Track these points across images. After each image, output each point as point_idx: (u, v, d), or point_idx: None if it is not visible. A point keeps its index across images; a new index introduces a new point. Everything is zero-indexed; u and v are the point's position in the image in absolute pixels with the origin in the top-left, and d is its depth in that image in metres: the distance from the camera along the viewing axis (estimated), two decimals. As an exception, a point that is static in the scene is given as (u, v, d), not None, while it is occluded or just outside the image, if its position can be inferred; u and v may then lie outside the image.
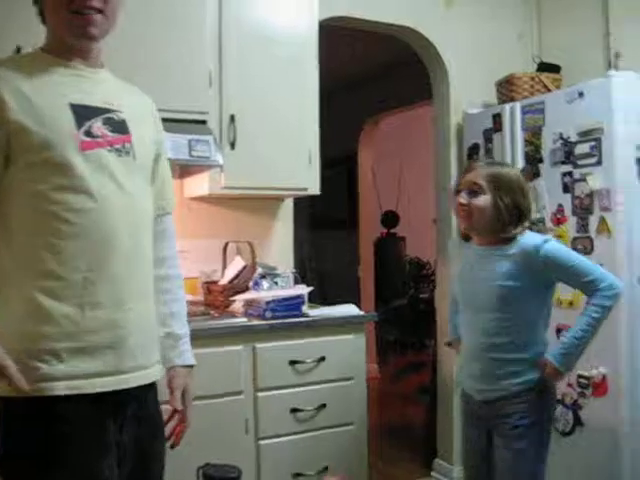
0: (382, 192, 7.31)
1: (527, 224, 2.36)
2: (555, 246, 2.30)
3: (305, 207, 3.81)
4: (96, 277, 1.53)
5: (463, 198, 2.34)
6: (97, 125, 1.57)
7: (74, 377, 1.49)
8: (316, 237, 7.08)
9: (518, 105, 3.56)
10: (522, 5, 4.26)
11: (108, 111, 1.62)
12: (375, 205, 7.24)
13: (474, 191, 2.33)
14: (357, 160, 6.91)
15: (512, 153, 3.55)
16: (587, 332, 2.23)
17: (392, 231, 7.48)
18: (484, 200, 2.31)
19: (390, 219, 7.41)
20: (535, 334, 2.35)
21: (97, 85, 1.65)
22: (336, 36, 3.74)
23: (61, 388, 1.47)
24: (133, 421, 1.62)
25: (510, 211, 2.31)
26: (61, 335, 1.49)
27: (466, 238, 2.50)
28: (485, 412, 2.39)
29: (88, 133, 1.55)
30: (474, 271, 2.42)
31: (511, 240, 2.32)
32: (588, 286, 2.26)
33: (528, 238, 2.32)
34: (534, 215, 3.38)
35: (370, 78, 6.52)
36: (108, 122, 1.60)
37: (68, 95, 1.56)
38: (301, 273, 3.73)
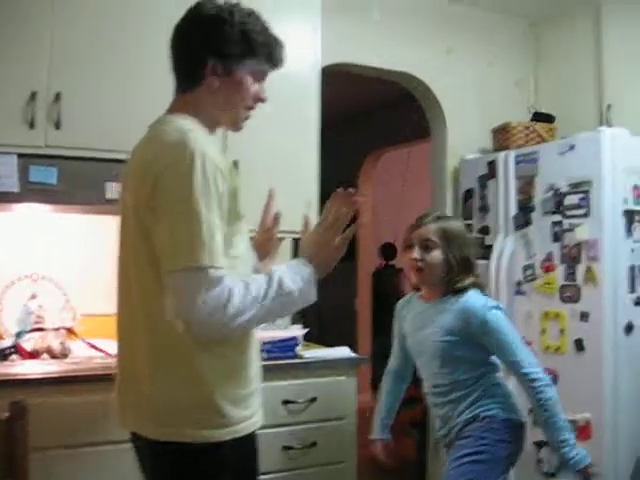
0: (381, 224, 7.40)
1: (477, 273, 2.51)
2: (498, 316, 2.38)
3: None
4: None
5: (417, 253, 2.45)
6: None
7: (251, 416, 1.72)
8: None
9: (512, 154, 3.67)
10: (520, 54, 4.40)
11: None
12: (374, 237, 7.34)
13: (427, 246, 2.44)
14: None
15: (505, 201, 3.66)
16: (557, 424, 2.30)
17: (390, 263, 7.55)
18: (436, 255, 2.43)
19: (388, 251, 7.47)
20: (477, 389, 2.41)
21: None
22: (339, 74, 3.86)
23: (249, 426, 1.70)
24: None
25: (460, 263, 2.44)
26: (251, 384, 1.74)
27: (417, 289, 2.61)
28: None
29: None
30: (421, 324, 2.53)
31: (461, 292, 2.43)
32: (513, 365, 2.36)
33: (474, 298, 2.42)
34: (525, 262, 3.50)
35: (372, 112, 6.65)
36: None
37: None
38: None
